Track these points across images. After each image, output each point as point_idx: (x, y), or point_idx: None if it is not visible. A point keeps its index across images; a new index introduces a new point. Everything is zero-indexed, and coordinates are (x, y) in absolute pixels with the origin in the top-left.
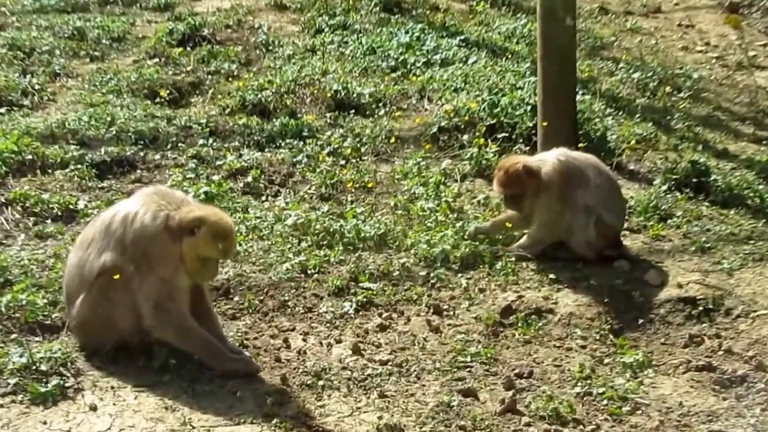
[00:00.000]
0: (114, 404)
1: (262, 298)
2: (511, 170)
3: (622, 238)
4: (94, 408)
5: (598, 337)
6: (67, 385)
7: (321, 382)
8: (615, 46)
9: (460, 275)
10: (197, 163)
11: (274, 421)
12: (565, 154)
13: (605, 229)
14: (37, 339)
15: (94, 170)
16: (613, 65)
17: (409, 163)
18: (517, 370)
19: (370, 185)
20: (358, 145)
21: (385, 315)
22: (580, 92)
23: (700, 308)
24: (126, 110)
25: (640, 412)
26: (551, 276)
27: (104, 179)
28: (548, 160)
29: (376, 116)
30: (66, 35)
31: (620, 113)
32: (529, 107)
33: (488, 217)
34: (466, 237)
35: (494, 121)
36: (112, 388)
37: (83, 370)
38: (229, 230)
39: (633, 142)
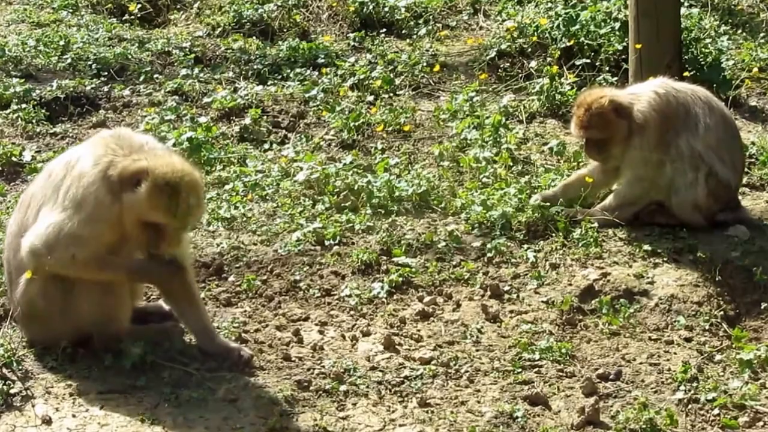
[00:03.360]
0: (74, 416)
1: (265, 277)
2: (595, 107)
3: (739, 198)
4: (47, 421)
5: (707, 327)
6: (12, 391)
7: (343, 387)
8: None
9: (525, 247)
10: (178, 100)
11: None
12: (665, 86)
13: (718, 185)
14: None
15: (43, 111)
16: None
17: (458, 99)
18: (600, 371)
19: (406, 129)
20: (391, 76)
21: (427, 299)
22: (686, 4)
23: None
24: (84, 31)
25: (761, 423)
26: (646, 248)
27: (57, 122)
28: (643, 94)
29: (414, 37)
30: None
31: (739, 32)
32: (617, 24)
33: (565, 169)
34: (529, 205)
35: (571, 42)
36: (71, 395)
37: (33, 372)
38: (176, 183)
39: (755, 70)
